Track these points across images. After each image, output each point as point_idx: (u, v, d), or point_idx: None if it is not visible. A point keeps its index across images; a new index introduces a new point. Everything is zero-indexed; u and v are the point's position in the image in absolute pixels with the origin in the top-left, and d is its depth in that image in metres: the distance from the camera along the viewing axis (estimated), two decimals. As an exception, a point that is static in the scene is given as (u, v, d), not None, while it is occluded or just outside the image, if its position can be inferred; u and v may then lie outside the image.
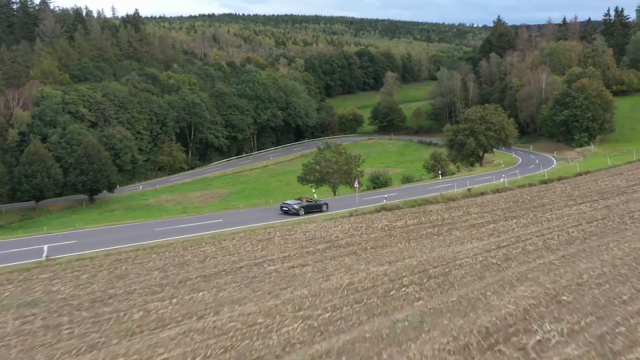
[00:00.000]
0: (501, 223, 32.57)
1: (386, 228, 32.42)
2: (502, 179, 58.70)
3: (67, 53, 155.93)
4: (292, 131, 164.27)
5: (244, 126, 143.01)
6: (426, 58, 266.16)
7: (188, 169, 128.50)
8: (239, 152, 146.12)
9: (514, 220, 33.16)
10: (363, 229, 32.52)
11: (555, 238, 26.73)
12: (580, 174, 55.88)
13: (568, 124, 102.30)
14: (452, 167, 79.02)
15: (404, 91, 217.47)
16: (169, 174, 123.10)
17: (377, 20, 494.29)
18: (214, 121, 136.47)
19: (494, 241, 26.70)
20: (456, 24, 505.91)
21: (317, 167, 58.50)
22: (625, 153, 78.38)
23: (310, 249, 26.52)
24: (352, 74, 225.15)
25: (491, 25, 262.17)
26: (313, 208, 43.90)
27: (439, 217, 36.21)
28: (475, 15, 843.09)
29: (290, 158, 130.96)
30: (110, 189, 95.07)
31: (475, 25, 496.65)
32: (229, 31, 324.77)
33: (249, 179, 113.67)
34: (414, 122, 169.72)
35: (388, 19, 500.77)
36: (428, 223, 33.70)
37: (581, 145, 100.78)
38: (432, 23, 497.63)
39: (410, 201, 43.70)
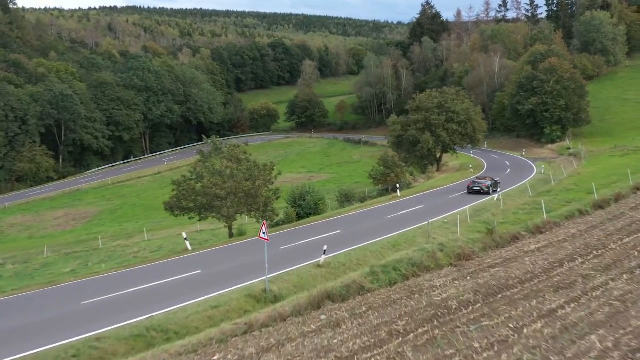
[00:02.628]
0: None
1: None
2: (495, 198, 37.55)
3: None
4: (194, 129, 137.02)
5: (131, 124, 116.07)
6: (344, 51, 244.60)
7: (58, 179, 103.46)
8: (126, 156, 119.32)
9: None
10: None
11: None
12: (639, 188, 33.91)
13: (536, 114, 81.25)
14: (408, 176, 55.08)
15: (322, 86, 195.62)
16: (32, 186, 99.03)
17: (291, 15, 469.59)
18: (92, 118, 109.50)
19: None
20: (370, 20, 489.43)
21: (199, 185, 32.52)
22: (636, 151, 58.21)
23: None
24: (265, 67, 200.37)
25: (406, 22, 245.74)
26: (496, 186, 43.00)
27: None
28: (385, 14, 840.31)
29: (190, 162, 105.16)
30: None
31: (390, 22, 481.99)
32: (127, 20, 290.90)
33: (132, 190, 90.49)
34: (338, 118, 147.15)
35: (303, 14, 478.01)
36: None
37: (553, 141, 79.91)
38: (347, 18, 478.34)
39: (381, 268, 19.82)
